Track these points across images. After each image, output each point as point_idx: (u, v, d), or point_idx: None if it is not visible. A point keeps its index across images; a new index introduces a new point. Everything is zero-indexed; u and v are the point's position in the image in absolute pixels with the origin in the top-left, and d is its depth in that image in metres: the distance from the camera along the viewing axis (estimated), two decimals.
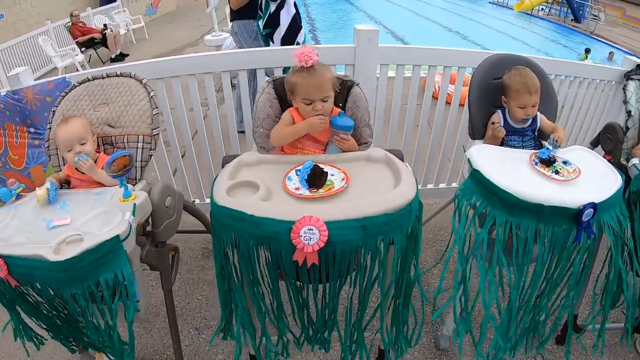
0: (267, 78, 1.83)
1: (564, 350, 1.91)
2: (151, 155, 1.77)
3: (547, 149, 1.72)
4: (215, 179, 1.49)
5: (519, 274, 1.57)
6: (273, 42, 3.51)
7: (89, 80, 1.90)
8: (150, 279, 2.43)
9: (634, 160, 1.99)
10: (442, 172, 3.08)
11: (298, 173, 1.50)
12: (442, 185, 3.13)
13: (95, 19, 9.99)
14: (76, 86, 1.91)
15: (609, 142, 2.19)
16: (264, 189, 1.40)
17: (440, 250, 2.80)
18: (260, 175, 1.53)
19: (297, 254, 1.24)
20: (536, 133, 2.03)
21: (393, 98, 2.61)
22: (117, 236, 1.33)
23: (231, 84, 2.53)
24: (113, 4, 11.21)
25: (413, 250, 1.46)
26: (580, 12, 17.98)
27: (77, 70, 7.47)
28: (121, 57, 8.98)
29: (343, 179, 1.48)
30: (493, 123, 1.97)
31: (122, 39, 9.37)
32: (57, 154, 1.83)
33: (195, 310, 2.34)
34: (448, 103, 2.74)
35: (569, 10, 18.37)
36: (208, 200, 2.85)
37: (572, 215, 1.47)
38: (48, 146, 1.84)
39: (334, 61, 2.37)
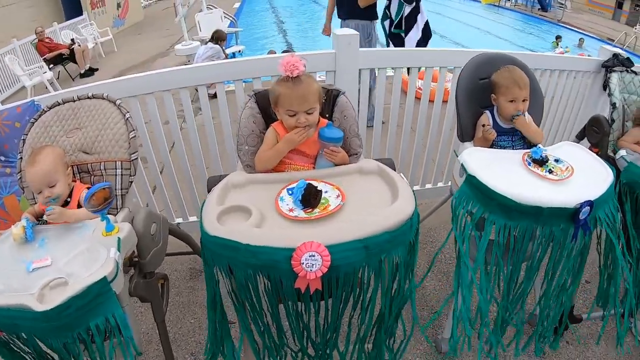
0: (250, 92, 1.75)
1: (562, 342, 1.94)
2: (131, 182, 1.67)
3: (538, 148, 1.71)
4: (203, 205, 1.41)
5: (515, 271, 1.61)
6: (393, 44, 3.89)
7: (59, 104, 1.78)
8: (137, 305, 2.32)
9: (622, 152, 2.00)
10: (427, 173, 3.05)
11: (290, 192, 1.42)
12: (428, 186, 3.12)
13: (62, 34, 9.74)
14: (45, 111, 1.79)
15: (595, 135, 2.21)
16: (257, 213, 1.32)
17: (431, 253, 2.76)
18: (250, 197, 1.45)
19: (299, 281, 1.18)
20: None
21: (376, 101, 2.55)
22: (104, 278, 1.24)
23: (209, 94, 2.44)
24: (79, 18, 10.95)
25: (410, 262, 1.41)
26: (547, 1, 18.26)
27: (46, 88, 7.24)
28: (91, 72, 8.75)
29: (338, 196, 1.41)
30: (484, 125, 1.93)
31: (90, 53, 9.13)
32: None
33: (188, 334, 2.24)
34: (431, 101, 2.70)
35: None
36: (192, 219, 2.81)
37: (570, 215, 1.48)
38: (20, 178, 1.74)
39: (314, 68, 2.30)
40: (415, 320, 1.48)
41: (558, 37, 12.13)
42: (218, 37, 7.10)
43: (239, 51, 9.03)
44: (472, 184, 1.59)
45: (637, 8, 17.95)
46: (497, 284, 1.65)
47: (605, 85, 3.00)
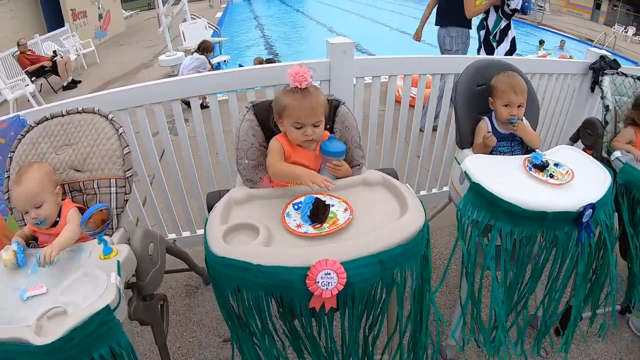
0: (247, 103, 1.70)
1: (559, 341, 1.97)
2: (126, 201, 1.60)
3: (538, 153, 1.75)
4: (206, 224, 1.35)
5: (519, 275, 1.63)
6: (485, 52, 4.47)
7: (47, 119, 1.71)
8: (133, 325, 2.24)
9: (617, 154, 2.04)
10: (422, 180, 3.03)
11: (297, 207, 1.38)
12: (422, 192, 3.09)
13: (44, 45, 9.59)
14: (33, 127, 1.71)
15: (589, 137, 2.25)
16: (264, 231, 1.26)
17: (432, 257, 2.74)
18: (254, 213, 1.39)
19: (314, 300, 1.13)
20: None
21: (370, 109, 2.52)
22: (107, 307, 1.18)
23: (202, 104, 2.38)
24: (61, 29, 10.81)
25: (425, 274, 1.38)
26: (526, 4, 18.48)
27: (29, 101, 7.10)
28: (73, 84, 8.62)
29: (346, 210, 1.37)
30: (488, 133, 1.93)
31: (73, 65, 9.00)
32: None
33: (188, 354, 2.17)
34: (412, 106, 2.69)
35: None
36: (185, 234, 2.74)
37: (573, 218, 1.51)
38: (8, 198, 1.65)
39: None
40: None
41: (541, 42, 12.30)
42: (205, 48, 7.01)
43: (225, 61, 8.98)
44: (477, 191, 1.60)
45: (615, 8, 18.33)
46: (505, 288, 1.67)
47: (593, 87, 3.08)
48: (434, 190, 3.11)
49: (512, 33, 4.45)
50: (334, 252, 1.14)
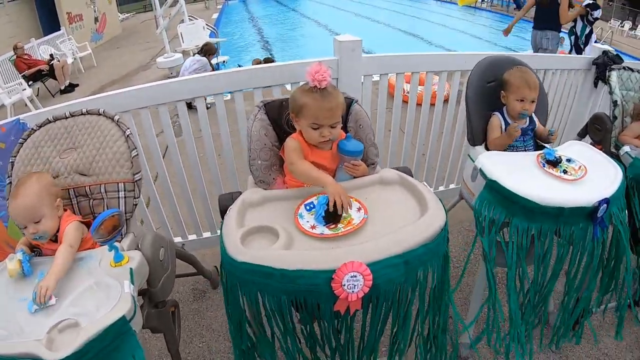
0: (257, 102, 1.66)
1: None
2: (135, 205, 1.56)
3: (550, 149, 1.75)
4: (222, 228, 1.30)
5: (538, 272, 1.63)
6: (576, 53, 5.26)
7: (49, 122, 1.65)
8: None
9: (626, 148, 2.06)
10: (429, 177, 3.00)
11: (309, 208, 1.34)
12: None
13: (41, 49, 9.50)
14: (35, 130, 1.65)
15: (597, 132, 2.26)
16: (284, 234, 1.22)
17: None
18: (269, 215, 1.35)
19: (339, 303, 1.10)
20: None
21: (378, 107, 2.49)
22: (123, 317, 1.13)
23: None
24: (58, 33, 10.73)
25: (445, 272, 1.35)
26: (522, 0, 18.52)
27: (26, 105, 7.04)
28: (71, 87, 8.54)
29: (359, 209, 1.33)
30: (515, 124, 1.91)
31: (70, 68, 8.93)
32: None
33: (197, 358, 2.13)
34: (432, 104, 2.68)
35: None
36: (191, 237, 2.70)
37: (588, 213, 1.52)
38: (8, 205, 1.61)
39: None
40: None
41: None
42: (207, 50, 6.95)
43: (224, 62, 8.92)
44: (493, 188, 1.60)
45: (611, 3, 18.29)
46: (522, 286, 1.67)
47: (597, 83, 3.08)
48: (441, 188, 3.08)
49: (594, 37, 5.38)
50: (359, 253, 1.11)
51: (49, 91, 8.31)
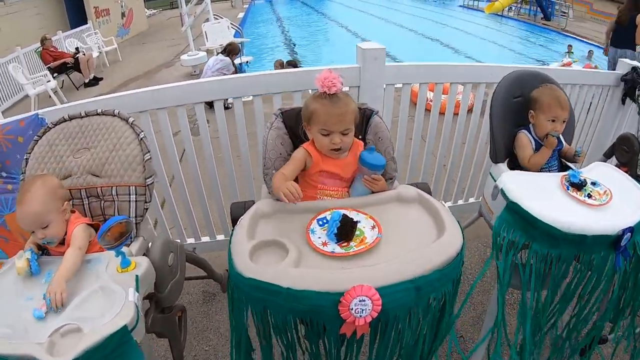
0: (275, 110, 1.63)
1: None
2: (146, 209, 1.54)
3: (575, 170, 1.69)
4: (231, 239, 1.27)
5: (553, 297, 1.57)
6: None
7: (65, 120, 1.64)
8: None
9: None
10: (448, 190, 2.93)
11: (321, 224, 1.30)
12: (448, 204, 2.98)
13: (67, 42, 9.68)
14: (50, 128, 1.65)
15: (625, 154, 2.16)
16: (294, 250, 1.18)
17: None
18: (282, 228, 1.31)
19: (345, 327, 1.05)
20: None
21: (400, 118, 2.44)
22: (125, 327, 1.10)
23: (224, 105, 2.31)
24: (84, 26, 10.91)
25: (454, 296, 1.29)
26: (549, 10, 18.17)
27: (50, 97, 7.15)
28: (95, 81, 8.67)
29: (373, 227, 1.29)
30: (547, 135, 1.84)
31: (95, 62, 9.05)
32: None
33: None
34: (456, 114, 2.60)
35: (538, 8, 18.56)
36: (204, 239, 2.68)
37: (611, 242, 1.45)
38: None
39: None
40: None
41: (569, 47, 12.02)
42: (231, 50, 6.94)
43: (247, 62, 8.93)
44: (515, 211, 1.53)
45: None
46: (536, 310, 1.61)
47: (624, 100, 2.95)
48: (460, 202, 3.00)
49: None
50: (369, 276, 1.06)
51: (73, 84, 8.43)
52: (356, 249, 1.19)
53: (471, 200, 2.99)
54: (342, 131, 1.42)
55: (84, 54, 8.58)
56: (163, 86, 2.10)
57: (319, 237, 1.25)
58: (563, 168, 1.94)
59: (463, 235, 1.25)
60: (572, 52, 11.71)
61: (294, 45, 13.70)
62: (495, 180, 1.74)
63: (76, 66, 8.35)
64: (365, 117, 1.59)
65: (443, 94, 2.52)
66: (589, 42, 14.01)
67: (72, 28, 10.85)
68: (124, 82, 8.75)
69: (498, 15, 20.06)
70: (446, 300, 1.19)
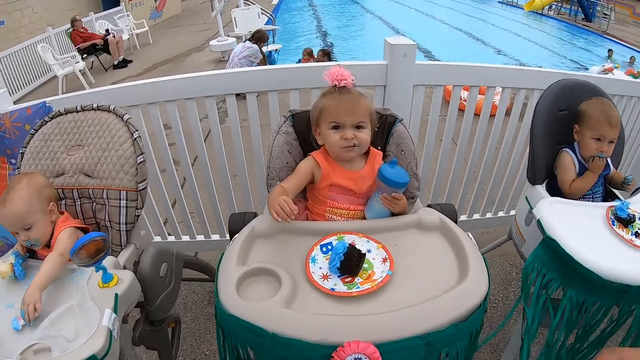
0: (285, 113, 1.46)
1: None
2: (138, 216, 1.40)
3: (623, 202, 1.47)
4: (220, 261, 1.11)
5: (584, 342, 1.43)
6: None
7: (61, 114, 1.53)
8: None
9: None
10: (478, 200, 2.69)
11: (324, 250, 1.13)
12: (476, 216, 2.76)
13: (98, 24, 9.71)
14: (47, 121, 1.54)
15: None
16: (287, 284, 1.01)
17: None
18: (278, 252, 1.15)
19: None
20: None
21: (429, 122, 2.22)
22: (92, 357, 0.99)
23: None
24: (116, 8, 10.92)
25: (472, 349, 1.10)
26: (591, 11, 17.47)
27: (78, 78, 7.17)
28: (124, 63, 8.68)
29: (385, 260, 1.10)
30: (593, 157, 1.62)
31: (125, 45, 9.05)
32: None
33: None
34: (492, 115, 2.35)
35: (580, 9, 17.86)
36: (214, 237, 2.56)
37: None
38: None
39: (361, 81, 1.87)
40: None
41: (610, 51, 11.48)
42: (259, 38, 6.78)
43: (276, 50, 8.78)
44: (551, 248, 1.33)
45: None
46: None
47: None
48: (489, 215, 2.76)
49: None
50: (371, 328, 0.89)
51: (102, 65, 8.45)
52: (361, 289, 1.01)
53: (500, 214, 2.76)
54: (355, 125, 1.25)
55: (114, 36, 8.58)
56: (189, 75, 1.96)
57: (320, 268, 1.08)
58: (607, 195, 1.73)
59: (489, 278, 1.05)
60: (612, 57, 11.14)
61: (326, 34, 13.47)
62: (531, 207, 1.53)
63: (105, 48, 8.37)
64: (387, 125, 1.40)
65: (479, 94, 2.29)
66: (631, 47, 13.38)
67: (105, 10, 10.86)
68: (153, 65, 8.72)
69: (537, 13, 19.39)
70: (461, 355, 1.00)
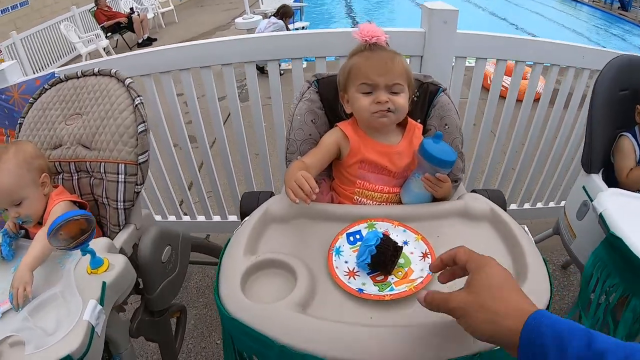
0: (309, 77, 1.26)
1: None
2: (138, 193, 1.23)
3: None
4: (224, 249, 0.93)
5: None
6: None
7: (61, 80, 1.38)
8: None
9: None
10: (516, 190, 2.45)
11: (352, 239, 0.94)
12: (526, 205, 2.53)
13: (122, 2, 9.64)
14: (46, 89, 1.39)
15: None
16: (305, 279, 0.82)
17: None
18: (296, 238, 0.96)
19: None
20: None
21: (469, 102, 1.99)
22: (68, 357, 0.84)
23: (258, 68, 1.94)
24: None
25: None
26: (627, 0, 16.82)
27: (102, 57, 7.08)
28: (149, 41, 8.61)
29: (425, 256, 0.90)
30: None
31: (150, 23, 8.97)
32: None
33: (213, 357, 1.83)
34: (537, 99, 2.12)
35: None
36: (232, 218, 2.40)
37: None
38: None
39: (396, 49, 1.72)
40: None
41: None
42: (284, 13, 6.55)
43: (303, 27, 8.57)
44: (616, 248, 1.13)
45: None
46: None
47: None
48: (527, 206, 2.52)
49: None
50: (406, 343, 0.69)
51: (127, 44, 8.40)
52: (395, 291, 0.82)
53: (539, 205, 2.51)
54: (390, 86, 1.05)
55: (138, 15, 8.51)
56: (209, 40, 1.85)
57: (346, 262, 0.89)
58: None
59: (551, 284, 0.84)
60: None
61: (356, 14, 13.15)
62: (588, 195, 1.32)
63: (130, 26, 8.31)
64: (428, 94, 1.20)
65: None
66: None
67: None
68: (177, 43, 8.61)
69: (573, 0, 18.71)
70: None
